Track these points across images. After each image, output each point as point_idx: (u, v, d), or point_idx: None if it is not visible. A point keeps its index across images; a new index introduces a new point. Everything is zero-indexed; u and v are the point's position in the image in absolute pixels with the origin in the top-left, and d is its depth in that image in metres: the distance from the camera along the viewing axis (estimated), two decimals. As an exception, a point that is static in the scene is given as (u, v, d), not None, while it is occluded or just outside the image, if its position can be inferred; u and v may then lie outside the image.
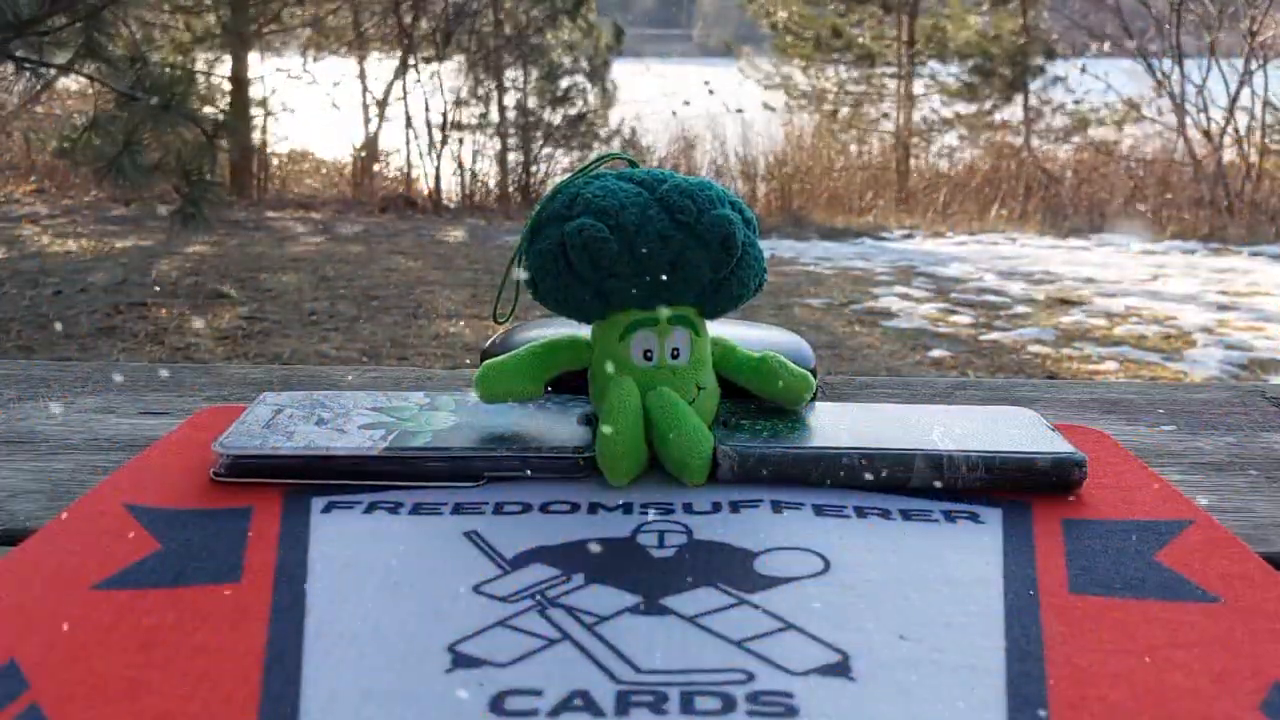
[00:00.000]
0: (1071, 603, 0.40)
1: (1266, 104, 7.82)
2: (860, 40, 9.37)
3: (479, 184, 8.50)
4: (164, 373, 0.71)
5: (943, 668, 0.35)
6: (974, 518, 0.47)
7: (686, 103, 8.70)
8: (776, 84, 9.66)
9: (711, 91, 8.72)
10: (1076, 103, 8.82)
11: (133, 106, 3.74)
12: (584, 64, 8.75)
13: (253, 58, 8.26)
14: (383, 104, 8.59)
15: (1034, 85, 8.96)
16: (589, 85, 8.79)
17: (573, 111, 8.67)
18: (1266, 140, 7.97)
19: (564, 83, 8.68)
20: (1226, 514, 0.50)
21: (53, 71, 3.84)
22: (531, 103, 8.58)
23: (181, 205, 3.98)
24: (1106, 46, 8.69)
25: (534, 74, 8.59)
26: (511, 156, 8.55)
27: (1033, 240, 6.94)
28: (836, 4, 9.39)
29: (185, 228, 4.03)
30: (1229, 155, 7.96)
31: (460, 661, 0.35)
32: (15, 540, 0.45)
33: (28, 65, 3.62)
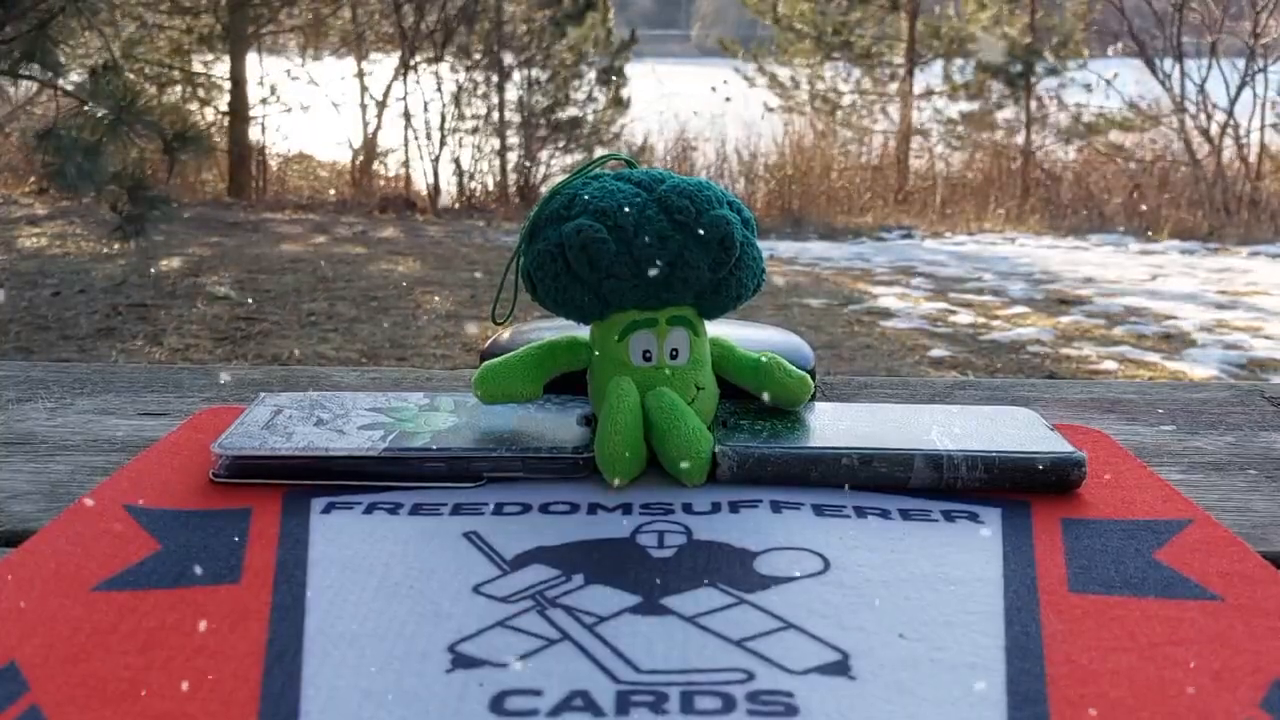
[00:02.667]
0: (1071, 601, 0.40)
1: (1269, 103, 7.83)
2: (862, 39, 9.37)
3: (478, 184, 8.50)
4: (163, 374, 0.71)
5: (942, 666, 0.35)
6: (973, 517, 0.47)
7: (721, 105, 8.68)
8: (776, 83, 9.65)
9: (696, 113, 8.70)
10: (1081, 105, 8.82)
11: (86, 114, 3.75)
12: (594, 68, 8.72)
13: (251, 58, 8.26)
14: (382, 104, 8.59)
15: (1040, 85, 8.95)
16: (599, 90, 8.77)
17: (575, 113, 8.66)
18: (1266, 140, 7.98)
19: (573, 85, 8.66)
20: (1226, 513, 0.50)
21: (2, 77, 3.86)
22: (532, 104, 8.58)
23: (120, 222, 4.00)
24: (1113, 48, 8.69)
25: (535, 75, 8.58)
26: (511, 157, 8.55)
27: (1031, 240, 6.95)
28: (839, 1, 9.39)
29: (124, 242, 4.05)
30: (1228, 155, 7.97)
31: (460, 662, 0.35)
32: (14, 542, 0.45)
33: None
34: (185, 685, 0.34)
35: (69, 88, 3.86)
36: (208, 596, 0.39)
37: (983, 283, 5.35)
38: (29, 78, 3.85)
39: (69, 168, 3.64)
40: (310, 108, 8.46)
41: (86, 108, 3.70)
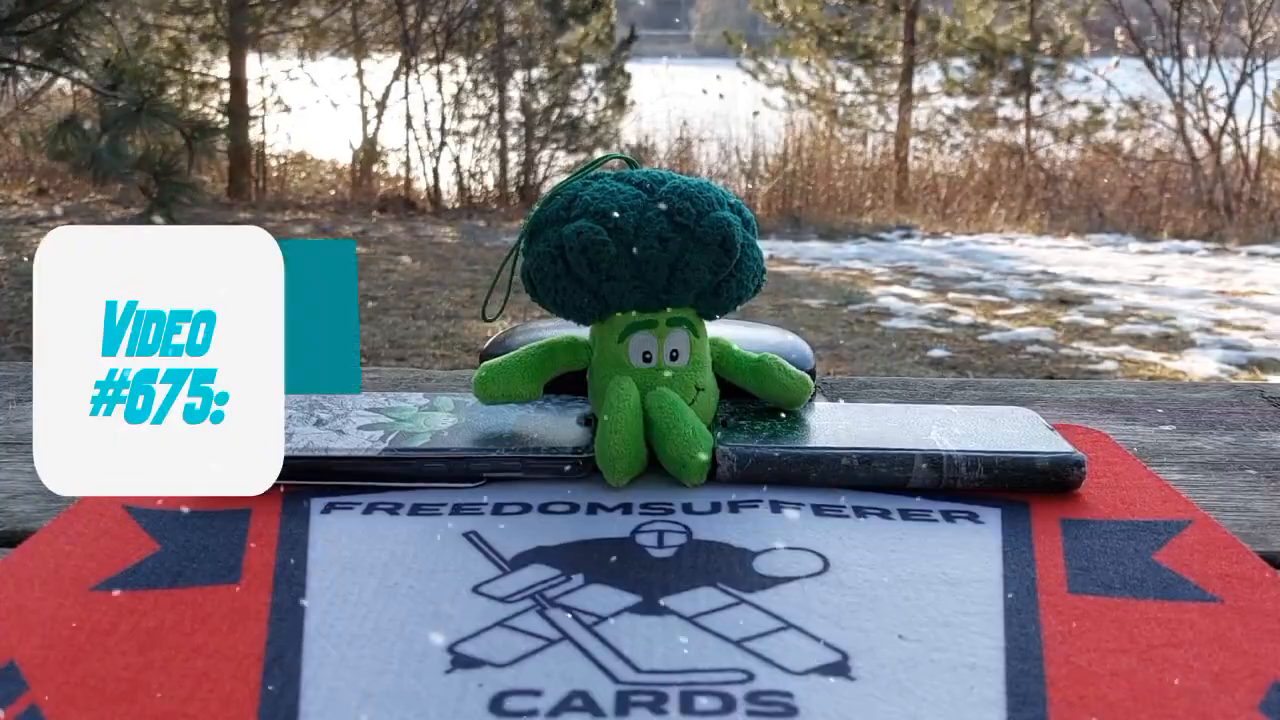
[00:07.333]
0: (1070, 602, 0.40)
1: (1266, 103, 7.83)
2: (863, 39, 9.36)
3: (478, 185, 8.50)
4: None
5: (942, 667, 0.35)
6: (973, 517, 0.47)
7: (718, 103, 8.66)
8: (777, 81, 9.65)
9: (721, 96, 8.68)
10: (1074, 103, 8.82)
11: (109, 106, 3.75)
12: (595, 69, 8.71)
13: (251, 58, 8.25)
14: (382, 104, 8.58)
15: (1039, 84, 8.94)
16: (601, 91, 8.75)
17: (575, 112, 8.65)
18: (1265, 140, 7.98)
19: (574, 85, 8.65)
20: (1226, 514, 0.50)
21: (24, 70, 3.85)
22: (533, 104, 8.57)
23: (149, 206, 3.99)
24: (1111, 47, 8.69)
25: (536, 75, 8.58)
26: (512, 157, 8.55)
27: (1031, 240, 6.94)
28: (840, 2, 9.38)
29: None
30: (1228, 155, 7.97)
31: (460, 662, 0.35)
32: (14, 542, 0.45)
33: (2, 65, 3.63)
34: (185, 685, 0.34)
35: (91, 82, 3.86)
36: (207, 596, 0.39)
37: (982, 282, 5.34)
38: (55, 72, 3.85)
39: (99, 152, 3.64)
40: (310, 108, 8.46)
41: (114, 99, 3.69)
